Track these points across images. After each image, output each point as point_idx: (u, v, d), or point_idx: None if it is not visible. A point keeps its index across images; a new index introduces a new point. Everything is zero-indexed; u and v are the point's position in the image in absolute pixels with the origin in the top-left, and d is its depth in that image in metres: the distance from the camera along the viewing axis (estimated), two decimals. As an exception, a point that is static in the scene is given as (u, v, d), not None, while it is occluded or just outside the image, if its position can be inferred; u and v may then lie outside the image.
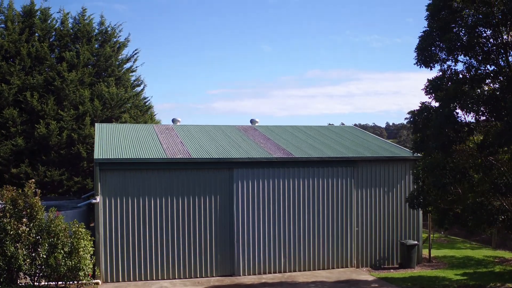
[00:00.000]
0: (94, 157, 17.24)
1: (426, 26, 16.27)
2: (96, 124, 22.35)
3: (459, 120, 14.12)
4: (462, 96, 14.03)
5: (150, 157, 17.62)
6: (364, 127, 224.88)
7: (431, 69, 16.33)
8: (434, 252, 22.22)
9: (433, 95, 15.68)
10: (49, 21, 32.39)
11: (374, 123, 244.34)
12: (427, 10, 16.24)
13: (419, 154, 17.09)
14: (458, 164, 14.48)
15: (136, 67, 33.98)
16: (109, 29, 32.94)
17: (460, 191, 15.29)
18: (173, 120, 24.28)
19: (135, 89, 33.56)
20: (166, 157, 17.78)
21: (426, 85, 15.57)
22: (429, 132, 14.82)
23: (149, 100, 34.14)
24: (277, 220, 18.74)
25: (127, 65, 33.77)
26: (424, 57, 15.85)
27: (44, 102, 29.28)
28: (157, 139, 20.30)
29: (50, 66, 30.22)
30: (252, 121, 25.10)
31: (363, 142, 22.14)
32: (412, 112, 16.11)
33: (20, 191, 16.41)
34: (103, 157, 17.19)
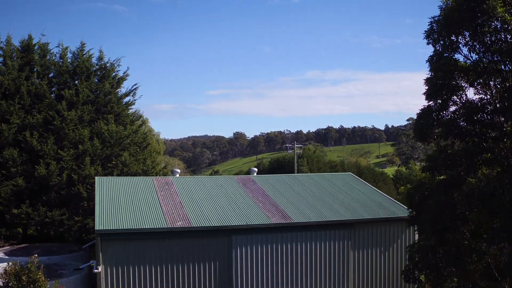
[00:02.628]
0: (95, 228, 17.51)
1: (425, 99, 16.58)
2: (96, 178, 22.57)
3: (455, 207, 14.37)
4: (457, 186, 14.32)
5: (151, 227, 17.89)
6: (363, 130, 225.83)
7: (428, 144, 16.65)
8: (430, 304, 22.57)
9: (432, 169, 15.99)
10: (48, 57, 32.55)
11: (373, 126, 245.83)
12: (425, 83, 16.54)
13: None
14: (452, 248, 14.78)
15: (135, 100, 34.14)
16: (108, 64, 33.09)
17: (454, 270, 15.61)
18: (173, 172, 24.62)
19: (134, 123, 33.74)
20: (166, 226, 18.06)
21: (423, 165, 15.86)
22: (425, 215, 15.12)
23: (148, 135, 34.30)
24: (275, 284, 19.05)
25: (126, 99, 33.96)
26: (422, 133, 16.16)
27: (43, 141, 29.47)
28: (157, 199, 20.54)
29: (50, 104, 30.38)
30: (250, 170, 25.51)
31: (360, 197, 22.43)
32: (408, 189, 16.40)
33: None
34: (104, 228, 17.45)
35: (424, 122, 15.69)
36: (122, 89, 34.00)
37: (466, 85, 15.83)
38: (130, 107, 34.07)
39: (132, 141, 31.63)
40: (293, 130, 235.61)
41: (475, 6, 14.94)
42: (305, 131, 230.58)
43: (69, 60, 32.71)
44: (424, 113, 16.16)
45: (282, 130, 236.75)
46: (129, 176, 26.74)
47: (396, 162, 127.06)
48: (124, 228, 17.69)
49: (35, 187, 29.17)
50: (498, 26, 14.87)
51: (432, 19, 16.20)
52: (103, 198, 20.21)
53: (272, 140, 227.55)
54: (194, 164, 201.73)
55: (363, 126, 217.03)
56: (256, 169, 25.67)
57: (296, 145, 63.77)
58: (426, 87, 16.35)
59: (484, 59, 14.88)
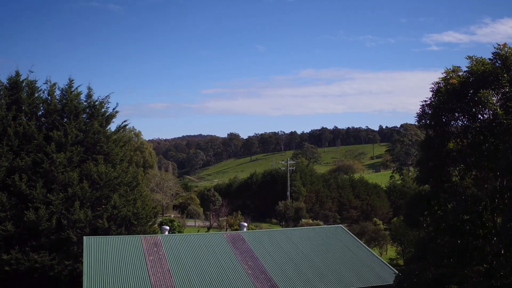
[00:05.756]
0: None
1: (416, 183, 16.49)
2: (84, 238, 22.38)
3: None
4: (446, 284, 14.26)
5: (138, 305, 17.73)
6: (358, 131, 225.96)
7: (417, 231, 16.66)
8: None
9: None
10: (36, 94, 32.16)
11: (367, 126, 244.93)
12: (417, 166, 16.44)
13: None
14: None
15: (125, 136, 33.75)
16: (96, 102, 32.72)
17: None
18: (162, 229, 24.49)
19: (123, 163, 33.39)
20: (154, 303, 17.90)
21: (414, 252, 15.82)
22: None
23: (138, 173, 34.03)
24: None
25: (116, 135, 33.63)
26: (411, 220, 16.14)
27: (32, 185, 29.12)
28: (145, 267, 20.35)
29: (38, 146, 29.99)
30: (241, 225, 25.50)
31: (351, 258, 22.30)
32: (400, 279, 16.35)
33: None
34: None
35: (414, 211, 15.63)
36: (112, 124, 33.65)
37: (456, 174, 15.77)
38: (120, 143, 33.76)
39: (121, 181, 31.33)
40: (287, 131, 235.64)
41: (467, 96, 14.83)
42: (299, 132, 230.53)
43: (57, 97, 32.31)
44: (415, 199, 16.09)
45: (277, 131, 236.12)
46: (118, 236, 26.50)
47: (391, 166, 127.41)
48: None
49: (24, 232, 28.88)
50: (491, 118, 14.75)
51: (423, 103, 16.11)
52: (91, 266, 20.01)
53: (266, 141, 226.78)
54: (188, 165, 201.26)
55: (357, 127, 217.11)
56: (246, 224, 25.65)
57: (289, 161, 63.82)
58: (418, 172, 16.29)
59: (474, 157, 14.74)
